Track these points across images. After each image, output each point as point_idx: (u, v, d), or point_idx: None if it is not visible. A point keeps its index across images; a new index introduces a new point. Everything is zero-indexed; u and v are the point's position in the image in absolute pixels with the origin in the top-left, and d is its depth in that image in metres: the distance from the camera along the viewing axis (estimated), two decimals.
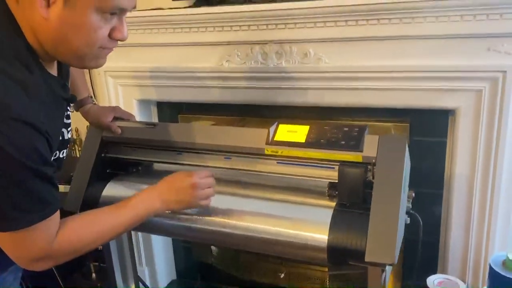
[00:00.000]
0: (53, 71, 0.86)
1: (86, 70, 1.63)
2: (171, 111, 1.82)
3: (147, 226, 1.05)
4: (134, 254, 1.61)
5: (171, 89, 1.71)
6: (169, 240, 1.99)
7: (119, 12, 0.79)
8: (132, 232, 1.68)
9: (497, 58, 1.28)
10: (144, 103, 1.81)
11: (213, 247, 1.92)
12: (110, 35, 0.80)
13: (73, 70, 1.09)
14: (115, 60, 1.67)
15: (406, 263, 1.64)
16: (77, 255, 0.90)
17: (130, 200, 0.96)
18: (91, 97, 1.22)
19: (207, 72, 1.61)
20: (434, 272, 1.52)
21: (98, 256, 1.86)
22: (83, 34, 0.77)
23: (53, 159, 0.87)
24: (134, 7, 0.82)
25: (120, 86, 1.77)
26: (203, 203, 1.00)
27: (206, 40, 1.55)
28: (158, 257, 1.95)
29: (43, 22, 0.74)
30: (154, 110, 1.85)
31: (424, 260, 1.49)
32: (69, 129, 0.96)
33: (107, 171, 1.21)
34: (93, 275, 2.01)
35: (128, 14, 0.84)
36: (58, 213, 0.83)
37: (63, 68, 0.92)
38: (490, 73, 1.30)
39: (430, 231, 1.52)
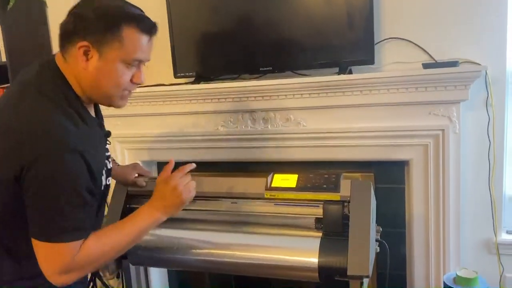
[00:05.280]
0: (92, 113, 1.13)
1: None
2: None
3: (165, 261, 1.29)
4: None
5: (172, 151, 1.98)
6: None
7: (138, 63, 1.08)
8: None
9: (437, 120, 1.65)
10: (146, 163, 2.06)
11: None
12: (131, 80, 1.08)
13: None
14: (122, 128, 1.97)
15: None
16: (96, 267, 1.07)
17: (133, 217, 1.13)
18: (114, 160, 1.47)
19: (204, 135, 1.90)
20: None
21: None
22: (112, 79, 1.05)
23: (104, 185, 1.11)
24: (149, 60, 1.11)
25: (126, 150, 2.04)
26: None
27: (204, 110, 1.87)
28: None
29: (83, 72, 1.03)
30: (154, 169, 2.10)
31: None
32: (109, 160, 1.21)
33: None
34: None
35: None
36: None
37: (98, 112, 1.20)
38: (432, 131, 1.67)
39: (397, 265, 1.80)
